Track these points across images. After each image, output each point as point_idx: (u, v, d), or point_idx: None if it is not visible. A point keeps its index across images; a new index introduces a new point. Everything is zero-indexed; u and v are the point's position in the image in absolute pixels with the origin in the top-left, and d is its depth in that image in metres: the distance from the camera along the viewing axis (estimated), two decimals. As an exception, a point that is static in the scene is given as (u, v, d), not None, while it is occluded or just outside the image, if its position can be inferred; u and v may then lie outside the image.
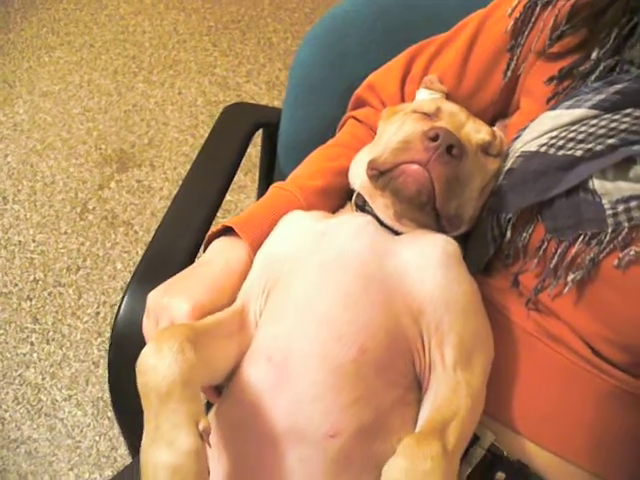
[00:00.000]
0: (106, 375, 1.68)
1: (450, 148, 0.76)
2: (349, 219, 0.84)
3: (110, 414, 1.73)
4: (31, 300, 1.97)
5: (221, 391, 0.79)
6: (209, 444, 0.63)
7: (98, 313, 1.93)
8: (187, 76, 2.59)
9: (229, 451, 0.72)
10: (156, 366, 0.64)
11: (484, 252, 0.87)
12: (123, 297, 0.91)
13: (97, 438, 1.69)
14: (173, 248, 0.93)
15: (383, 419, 0.70)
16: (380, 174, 0.80)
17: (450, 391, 0.72)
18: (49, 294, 1.98)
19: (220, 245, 0.88)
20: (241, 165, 1.12)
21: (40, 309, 1.95)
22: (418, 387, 0.76)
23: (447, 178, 0.76)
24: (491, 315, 0.81)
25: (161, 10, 2.89)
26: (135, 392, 0.67)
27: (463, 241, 0.86)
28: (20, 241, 2.10)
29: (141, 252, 2.05)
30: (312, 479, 0.69)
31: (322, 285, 0.75)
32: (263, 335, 0.76)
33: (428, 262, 0.76)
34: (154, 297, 0.81)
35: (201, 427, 0.62)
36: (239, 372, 0.75)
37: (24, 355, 1.85)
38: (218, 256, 0.87)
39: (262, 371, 0.72)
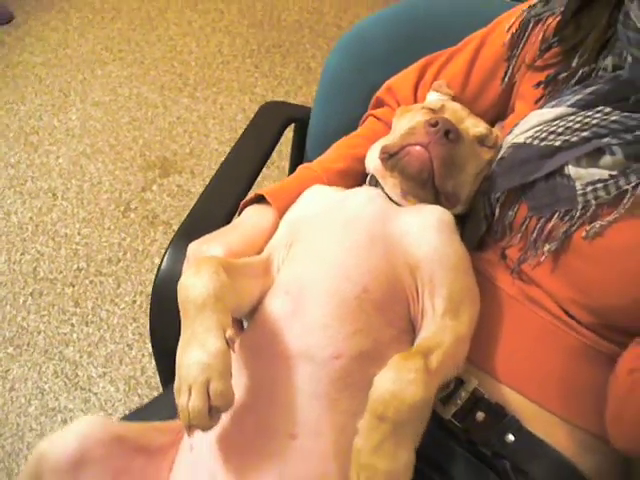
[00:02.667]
0: (139, 356, 1.85)
1: (447, 133, 0.90)
2: (363, 190, 0.98)
3: (140, 391, 1.87)
4: (74, 286, 2.12)
5: (243, 327, 0.93)
6: (234, 350, 0.77)
7: (134, 301, 2.08)
8: (229, 94, 2.76)
9: (249, 370, 0.85)
10: (195, 283, 0.79)
11: (478, 230, 1.01)
12: (165, 252, 1.06)
13: (127, 412, 1.83)
14: (211, 214, 1.08)
15: (380, 350, 0.83)
16: (390, 156, 0.94)
17: (438, 330, 0.85)
18: (90, 282, 2.13)
19: (252, 210, 1.03)
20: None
21: (81, 295, 2.10)
22: (412, 331, 0.89)
23: (444, 158, 0.90)
24: (482, 283, 0.93)
25: (208, 33, 3.08)
26: (172, 334, 0.81)
27: (461, 223, 1.00)
28: (66, 233, 2.26)
29: (177, 249, 2.21)
30: (318, 394, 0.82)
31: (336, 237, 0.89)
32: (283, 275, 0.90)
33: (425, 225, 0.90)
34: (193, 246, 0.96)
35: (227, 335, 0.76)
36: (261, 305, 0.89)
37: (65, 334, 2.00)
38: (250, 218, 1.02)
39: (280, 303, 0.86)
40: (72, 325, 2.02)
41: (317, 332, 0.83)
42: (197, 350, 0.75)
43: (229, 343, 0.76)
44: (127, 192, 2.38)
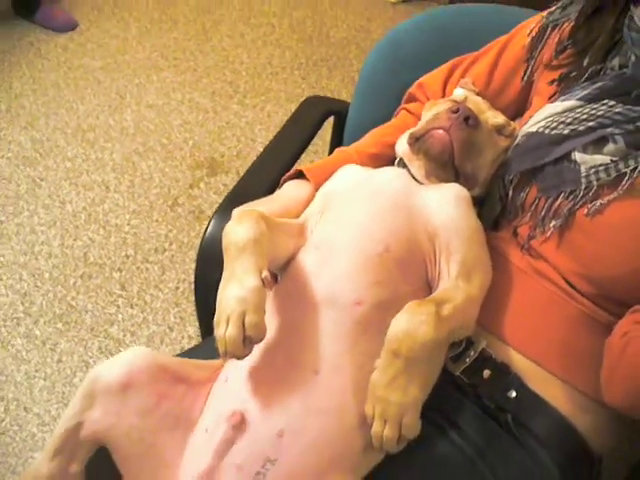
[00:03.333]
0: (179, 338, 1.98)
1: (467, 119, 1.01)
2: (390, 169, 1.09)
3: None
4: (121, 271, 2.26)
5: (277, 281, 1.04)
6: (269, 288, 0.88)
7: (177, 288, 2.21)
8: (276, 103, 2.90)
9: (281, 313, 0.96)
10: (237, 229, 0.91)
11: (493, 210, 1.12)
12: (211, 219, 1.19)
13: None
14: (254, 189, 1.20)
15: (397, 301, 0.93)
16: (416, 140, 1.06)
17: (450, 288, 0.95)
18: (137, 268, 2.27)
19: (292, 184, 1.15)
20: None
21: (128, 279, 2.23)
22: (428, 292, 0.99)
23: (463, 141, 1.02)
24: (495, 258, 1.04)
25: (259, 45, 3.23)
26: (213, 290, 0.93)
27: (478, 205, 1.10)
28: (117, 223, 2.41)
29: (221, 242, 2.35)
30: (340, 335, 0.92)
31: (363, 204, 1.01)
32: (315, 235, 1.01)
33: (444, 199, 1.01)
34: (237, 211, 1.08)
35: (263, 275, 0.88)
36: (293, 260, 1.00)
37: (110, 315, 2.13)
38: (290, 190, 1.14)
39: (311, 256, 0.98)
40: (117, 306, 2.16)
41: (342, 281, 0.94)
42: (235, 287, 0.87)
43: (264, 282, 0.88)
44: (175, 188, 2.52)
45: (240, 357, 0.86)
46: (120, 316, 2.13)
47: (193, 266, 2.22)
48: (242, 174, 2.47)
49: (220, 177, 2.56)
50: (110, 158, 2.65)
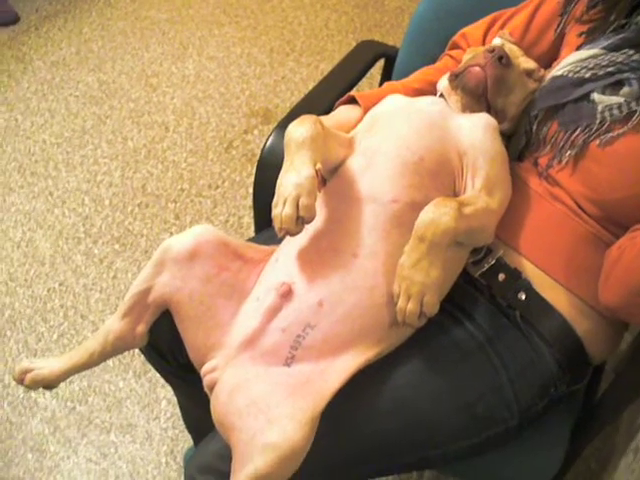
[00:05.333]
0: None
1: (501, 58, 1.16)
2: (431, 97, 1.25)
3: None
4: (176, 203, 2.45)
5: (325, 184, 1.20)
6: (319, 189, 1.04)
7: (227, 221, 2.39)
8: (330, 62, 3.04)
9: (329, 206, 1.11)
10: (297, 129, 1.07)
11: (518, 143, 1.26)
12: (270, 134, 1.35)
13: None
14: (309, 112, 1.35)
15: (427, 203, 1.09)
16: (455, 77, 1.21)
17: (473, 197, 1.11)
18: (191, 201, 2.45)
19: (345, 107, 1.32)
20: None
21: (182, 210, 2.42)
22: (455, 202, 1.15)
23: (496, 78, 1.16)
24: (516, 184, 1.18)
25: (317, 9, 3.38)
26: (268, 194, 1.08)
27: (507, 140, 1.25)
28: (174, 160, 2.59)
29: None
30: (376, 226, 1.07)
31: (404, 121, 1.16)
32: (361, 144, 1.17)
33: (475, 125, 1.16)
34: (292, 124, 1.24)
35: (317, 167, 1.04)
36: (342, 166, 1.16)
37: (163, 240, 2.31)
38: (342, 112, 1.30)
39: (357, 160, 1.14)
40: (171, 233, 2.34)
41: (382, 181, 1.09)
42: (293, 175, 1.03)
43: (317, 174, 1.04)
44: (231, 133, 2.70)
45: (293, 233, 1.02)
46: (173, 242, 2.31)
47: (243, 202, 2.42)
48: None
49: (273, 126, 2.72)
50: (171, 102, 2.83)
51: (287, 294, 1.07)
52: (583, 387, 1.25)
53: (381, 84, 1.66)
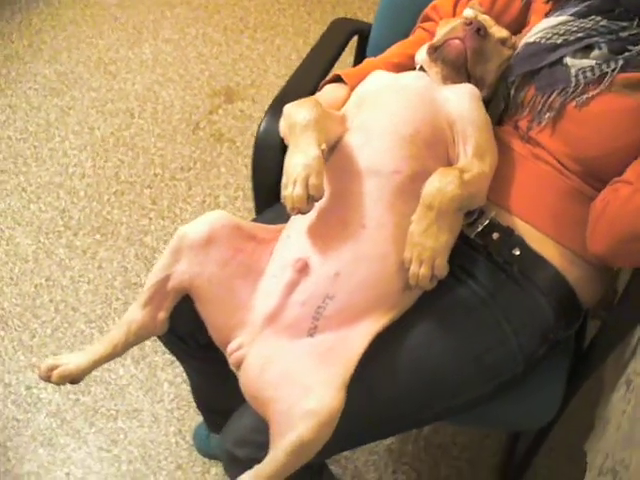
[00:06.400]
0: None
1: (478, 30, 1.23)
2: (414, 72, 1.30)
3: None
4: (151, 188, 2.48)
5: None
6: (325, 159, 1.10)
7: (204, 201, 2.43)
8: (285, 37, 3.08)
9: (333, 182, 1.16)
10: (300, 111, 1.12)
11: (498, 108, 1.33)
12: (265, 116, 1.41)
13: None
14: (296, 92, 1.40)
15: (426, 174, 1.13)
16: (434, 50, 1.27)
17: (468, 164, 1.18)
18: (165, 185, 2.48)
19: (331, 86, 1.38)
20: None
21: (158, 195, 2.45)
22: (450, 169, 1.22)
23: (475, 48, 1.23)
24: (500, 147, 1.24)
25: (266, -18, 3.42)
26: (267, 173, 1.14)
27: (486, 105, 1.32)
28: (143, 146, 2.61)
29: (242, 162, 2.57)
30: (381, 198, 1.14)
31: (394, 97, 1.22)
32: (356, 122, 1.22)
33: (461, 95, 1.23)
34: (288, 106, 1.29)
35: (322, 147, 1.10)
36: (340, 142, 1.22)
37: (144, 226, 2.35)
38: (330, 91, 1.36)
39: (355, 137, 1.19)
40: (150, 219, 2.38)
41: (383, 154, 1.16)
42: (300, 156, 1.09)
43: (323, 153, 1.10)
44: (196, 114, 2.73)
45: (304, 212, 1.08)
46: (153, 227, 2.36)
47: (217, 182, 2.48)
48: (257, 101, 2.72)
49: (237, 104, 2.77)
50: (132, 88, 2.85)
51: (303, 269, 1.13)
52: (574, 333, 1.34)
53: (356, 60, 1.72)
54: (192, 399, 1.80)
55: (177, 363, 1.94)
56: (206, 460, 1.84)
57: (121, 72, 2.91)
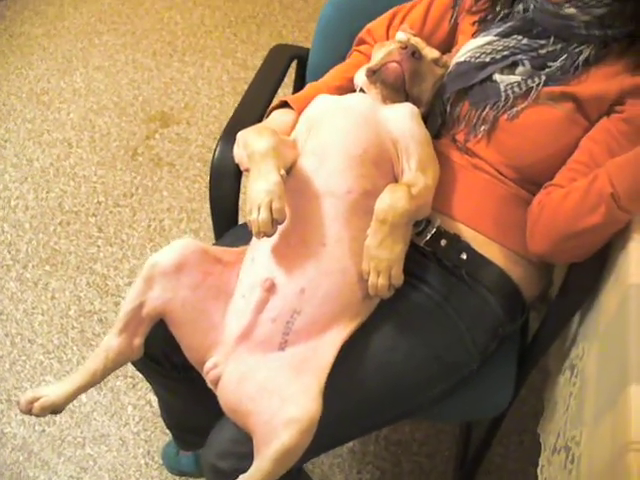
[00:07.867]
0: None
1: (414, 53, 1.33)
2: (355, 94, 1.40)
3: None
4: (96, 216, 2.51)
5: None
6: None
7: (150, 226, 2.48)
8: (213, 58, 3.15)
9: (292, 205, 1.21)
10: (259, 140, 1.20)
11: (435, 123, 1.43)
12: (216, 148, 1.47)
13: (152, 311, 2.24)
14: (244, 119, 1.48)
15: (376, 191, 1.22)
16: (373, 73, 1.36)
17: (413, 178, 1.27)
18: (110, 212, 2.52)
19: (279, 112, 1.46)
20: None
21: (103, 222, 2.49)
22: (397, 184, 1.31)
23: (412, 70, 1.32)
24: (441, 159, 1.34)
25: (190, 6, 3.46)
26: (224, 198, 1.20)
27: (424, 120, 1.42)
28: (84, 175, 2.65)
29: (182, 184, 2.62)
30: (338, 216, 1.21)
31: (341, 120, 1.30)
32: (308, 146, 1.30)
33: (401, 114, 1.32)
34: (242, 132, 1.36)
35: (282, 173, 1.18)
36: (295, 166, 1.30)
37: (92, 254, 2.38)
38: (278, 117, 1.44)
39: (310, 160, 1.27)
40: (98, 246, 2.41)
41: (336, 176, 1.24)
42: (262, 182, 1.16)
43: (283, 177, 1.18)
44: (133, 140, 2.78)
45: (269, 235, 1.15)
46: (102, 254, 2.40)
47: (160, 206, 2.53)
48: (192, 123, 2.79)
49: (173, 128, 2.83)
50: (67, 118, 2.87)
51: (271, 288, 1.21)
52: (519, 327, 1.45)
53: (295, 84, 1.80)
54: (157, 420, 1.85)
55: (140, 386, 2.02)
56: (177, 478, 1.88)
57: (54, 102, 2.94)
